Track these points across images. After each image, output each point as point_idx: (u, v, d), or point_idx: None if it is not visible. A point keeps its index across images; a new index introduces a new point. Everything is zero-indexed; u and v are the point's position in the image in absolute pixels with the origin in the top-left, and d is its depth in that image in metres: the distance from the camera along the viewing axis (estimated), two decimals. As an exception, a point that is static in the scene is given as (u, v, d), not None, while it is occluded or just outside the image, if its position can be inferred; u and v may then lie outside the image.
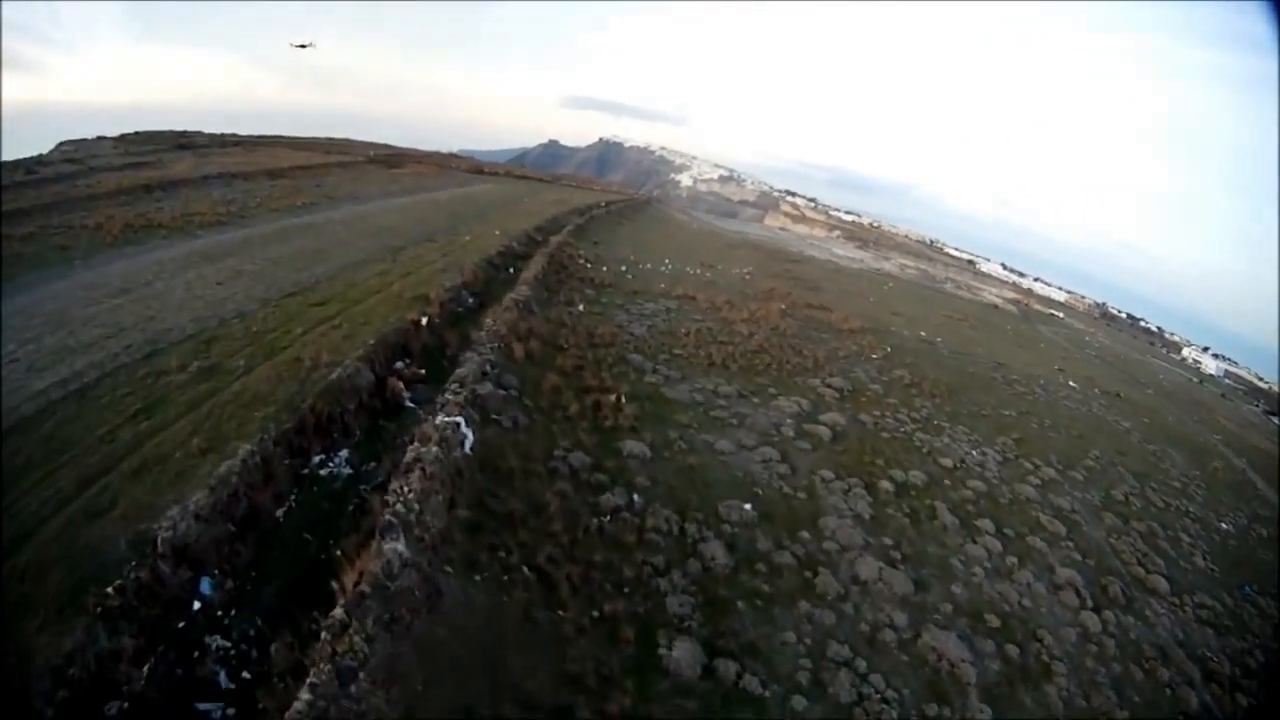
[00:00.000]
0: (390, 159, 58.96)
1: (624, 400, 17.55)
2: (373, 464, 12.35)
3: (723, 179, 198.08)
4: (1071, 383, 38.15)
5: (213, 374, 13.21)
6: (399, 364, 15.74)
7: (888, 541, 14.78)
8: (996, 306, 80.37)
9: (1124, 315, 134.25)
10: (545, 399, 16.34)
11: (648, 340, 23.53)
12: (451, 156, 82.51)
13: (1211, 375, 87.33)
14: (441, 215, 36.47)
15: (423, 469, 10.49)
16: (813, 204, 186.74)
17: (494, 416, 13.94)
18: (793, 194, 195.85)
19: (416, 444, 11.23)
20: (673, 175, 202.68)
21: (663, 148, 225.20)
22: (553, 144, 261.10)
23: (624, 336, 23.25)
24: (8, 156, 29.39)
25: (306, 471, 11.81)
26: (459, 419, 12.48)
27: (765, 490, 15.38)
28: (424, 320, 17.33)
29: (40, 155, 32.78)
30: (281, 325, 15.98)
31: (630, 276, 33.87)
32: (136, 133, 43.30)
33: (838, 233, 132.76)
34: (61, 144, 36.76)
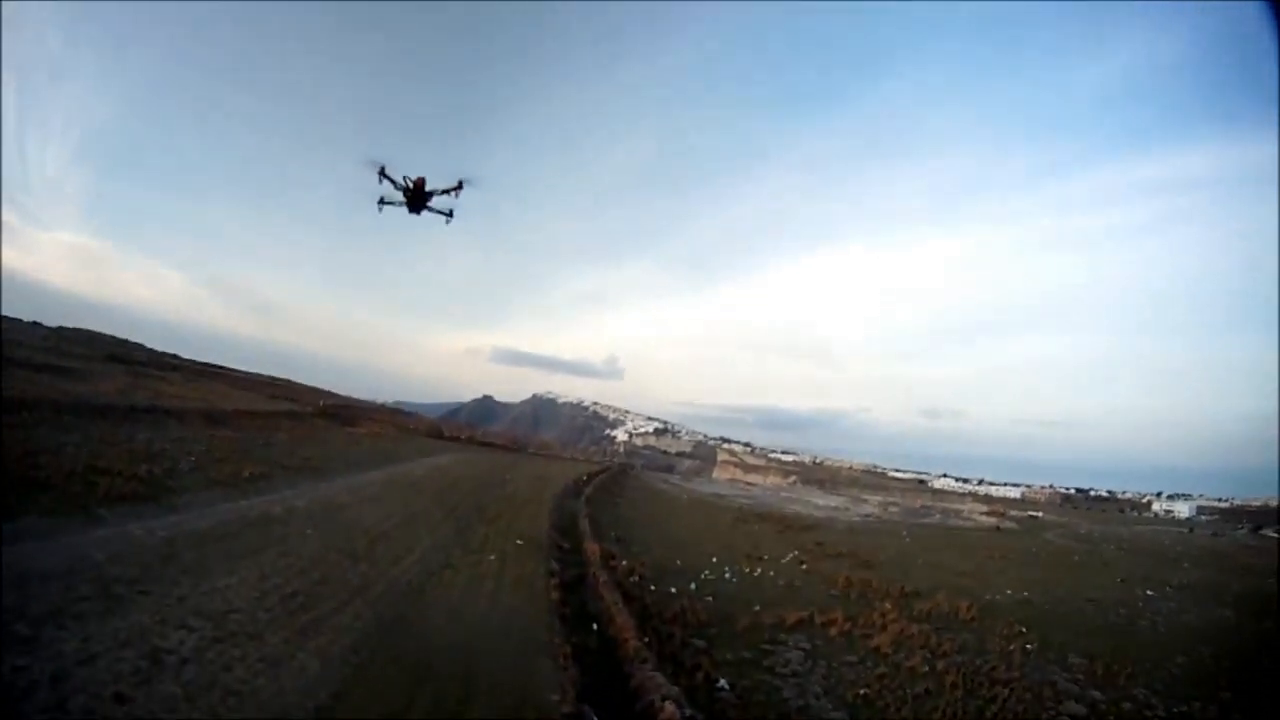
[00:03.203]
0: (342, 413, 49.63)
1: None
2: None
3: (658, 431, 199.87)
4: (1149, 591, 36.64)
5: None
6: None
7: None
8: (999, 528, 78.21)
9: (1075, 491, 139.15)
10: None
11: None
12: (397, 412, 74.94)
13: (1189, 518, 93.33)
14: (434, 509, 25.69)
15: None
16: (749, 448, 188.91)
17: None
18: (728, 440, 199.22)
19: None
20: (607, 430, 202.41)
21: (595, 403, 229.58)
22: (487, 399, 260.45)
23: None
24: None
25: None
26: None
27: None
28: None
29: (-39, 331, 23.14)
30: None
31: (710, 598, 25.37)
32: (76, 330, 34.49)
33: (793, 477, 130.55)
34: (-9, 320, 27.28)
